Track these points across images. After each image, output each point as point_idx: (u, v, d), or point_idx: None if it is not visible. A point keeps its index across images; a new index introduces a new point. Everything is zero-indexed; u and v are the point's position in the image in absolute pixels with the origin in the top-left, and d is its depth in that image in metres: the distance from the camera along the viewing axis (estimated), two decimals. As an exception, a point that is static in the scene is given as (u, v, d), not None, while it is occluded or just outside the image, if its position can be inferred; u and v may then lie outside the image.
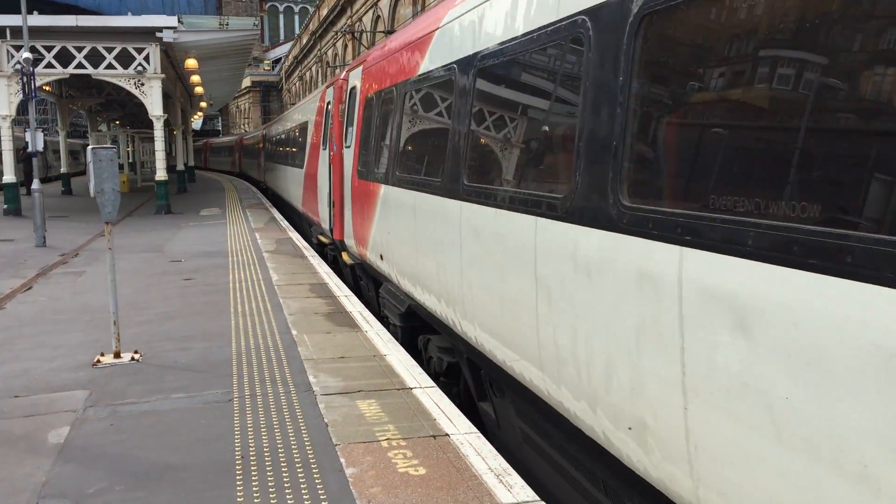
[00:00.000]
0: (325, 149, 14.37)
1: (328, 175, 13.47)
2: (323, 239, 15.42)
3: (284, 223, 21.54)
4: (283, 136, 26.32)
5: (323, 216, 14.62)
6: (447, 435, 5.48)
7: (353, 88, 11.66)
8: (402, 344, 8.30)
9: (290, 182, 22.50)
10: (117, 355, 7.66)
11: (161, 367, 7.37)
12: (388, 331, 8.86)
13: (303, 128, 19.42)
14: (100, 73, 24.51)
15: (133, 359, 7.62)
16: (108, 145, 7.69)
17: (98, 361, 7.54)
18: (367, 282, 11.46)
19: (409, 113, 8.19)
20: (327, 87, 15.15)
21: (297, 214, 21.86)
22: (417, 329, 8.40)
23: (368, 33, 38.05)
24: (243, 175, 51.36)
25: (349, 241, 11.57)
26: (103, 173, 7.37)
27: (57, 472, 5.02)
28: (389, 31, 29.42)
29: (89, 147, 7.43)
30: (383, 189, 8.98)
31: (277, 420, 5.83)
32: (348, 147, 11.69)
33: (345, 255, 12.52)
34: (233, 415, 5.97)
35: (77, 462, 5.18)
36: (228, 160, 62.10)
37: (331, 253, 15.08)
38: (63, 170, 37.60)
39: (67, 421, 5.96)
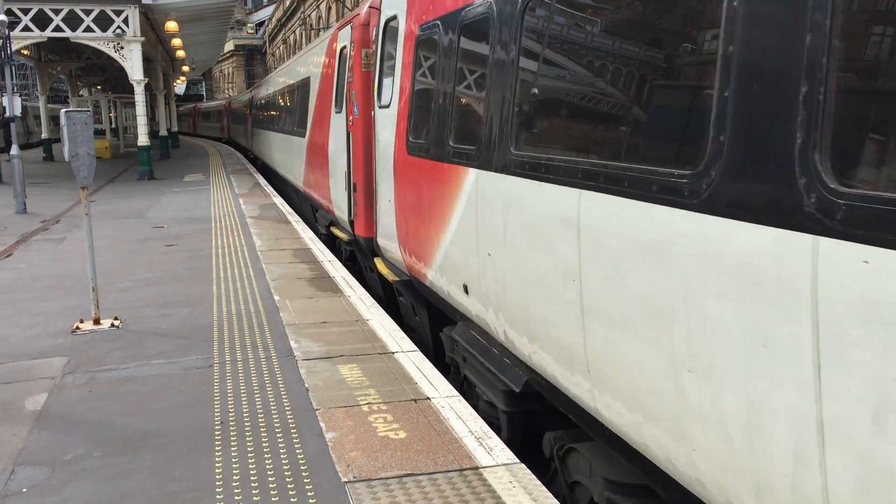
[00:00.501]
0: (338, 112, 11.08)
1: (346, 147, 10.20)
2: (338, 233, 11.85)
3: (269, 189, 21.36)
4: (276, 98, 22.06)
5: (336, 201, 11.36)
6: (428, 398, 5.46)
7: (391, 21, 8.04)
8: (511, 446, 4.86)
9: (287, 153, 18.52)
10: (97, 322, 7.59)
11: (141, 334, 7.31)
12: (477, 407, 5.84)
13: (303, 85, 15.58)
14: (78, 35, 24.08)
15: (113, 325, 7.55)
16: (83, 108, 7.53)
17: (77, 328, 7.47)
18: (419, 309, 7.89)
19: (552, 40, 4.48)
20: (340, 27, 11.59)
21: (294, 192, 18.09)
22: (534, 417, 5.38)
23: (352, -5, 37.47)
24: (231, 142, 48.56)
25: (388, 245, 8.19)
26: (78, 137, 7.23)
27: (34, 438, 4.97)
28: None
29: (63, 110, 7.28)
30: (475, 177, 5.44)
31: (258, 385, 5.80)
32: (384, 107, 8.07)
33: (379, 264, 8.82)
34: (213, 380, 5.93)
35: (55, 429, 5.13)
36: (218, 126, 58.93)
37: (347, 249, 11.86)
38: (44, 135, 37.15)
39: (45, 388, 5.90)
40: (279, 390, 5.69)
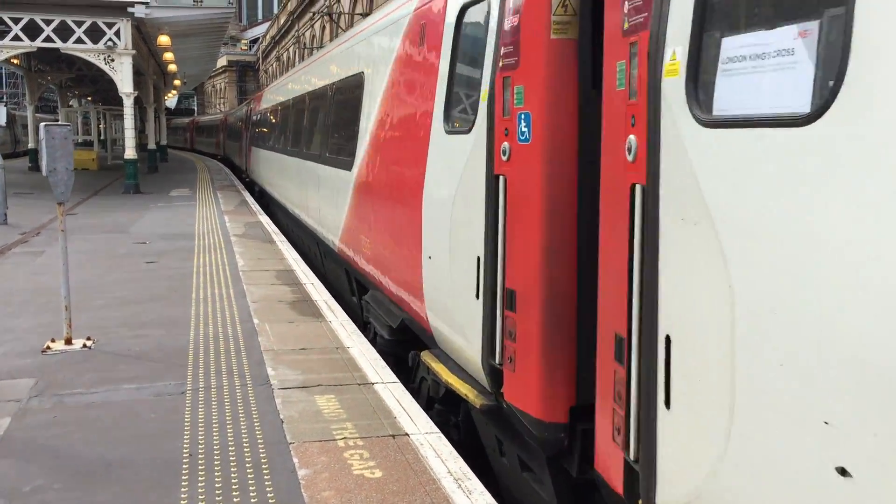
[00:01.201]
0: (453, 130, 5.74)
1: (479, 203, 5.02)
2: (445, 374, 5.74)
3: (255, 206, 21.16)
4: (291, 109, 16.12)
5: (442, 303, 5.90)
6: (407, 434, 5.27)
7: None
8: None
9: (308, 189, 12.83)
10: (68, 342, 7.36)
11: (114, 355, 7.08)
12: None
13: (347, 88, 10.03)
14: (68, 47, 23.90)
15: (85, 345, 7.33)
16: (62, 122, 7.36)
17: (48, 348, 7.23)
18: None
19: None
20: None
21: (314, 242, 12.67)
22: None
23: (347, 15, 37.55)
24: (226, 160, 44.08)
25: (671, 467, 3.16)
26: (56, 152, 7.05)
27: (-8, 467, 4.74)
28: (367, 14, 28.47)
29: (42, 124, 7.09)
30: None
31: (231, 415, 5.59)
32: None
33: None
34: (184, 408, 5.72)
35: (15, 457, 4.90)
36: (213, 141, 53.85)
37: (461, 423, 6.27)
38: (31, 145, 36.82)
39: (9, 412, 5.67)
40: (253, 421, 5.48)
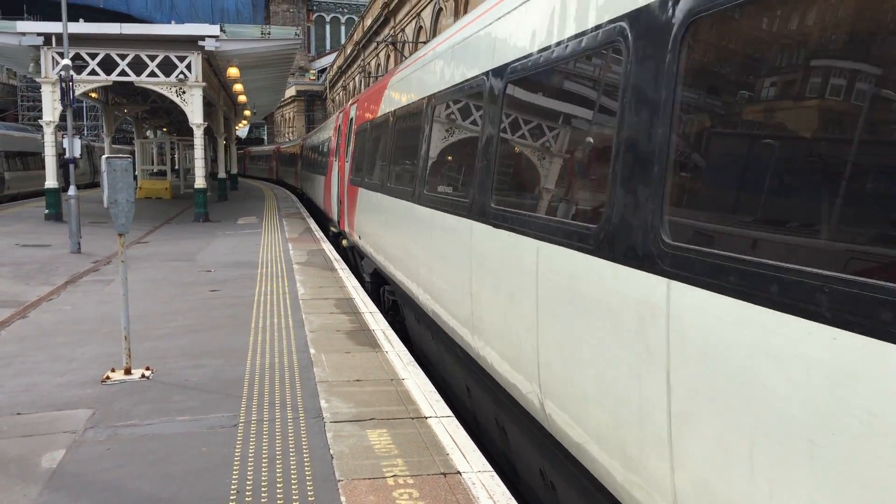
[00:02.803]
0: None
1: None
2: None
3: (319, 234, 21.35)
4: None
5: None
6: (459, 473, 5.09)
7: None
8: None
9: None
10: (127, 372, 7.42)
11: (170, 386, 7.10)
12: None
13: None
14: (142, 80, 24.69)
15: (143, 376, 7.37)
16: (123, 155, 7.48)
17: (107, 378, 7.30)
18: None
19: None
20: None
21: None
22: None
23: (411, 44, 37.92)
24: (280, 182, 57.24)
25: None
26: (117, 183, 7.16)
27: (43, 501, 4.74)
28: (426, 42, 29.06)
29: (103, 157, 7.22)
30: None
31: (281, 450, 5.50)
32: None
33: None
34: (235, 442, 5.66)
35: (66, 490, 4.90)
36: (266, 167, 70.27)
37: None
38: (107, 176, 38.05)
39: (65, 443, 5.70)
40: (303, 456, 5.38)
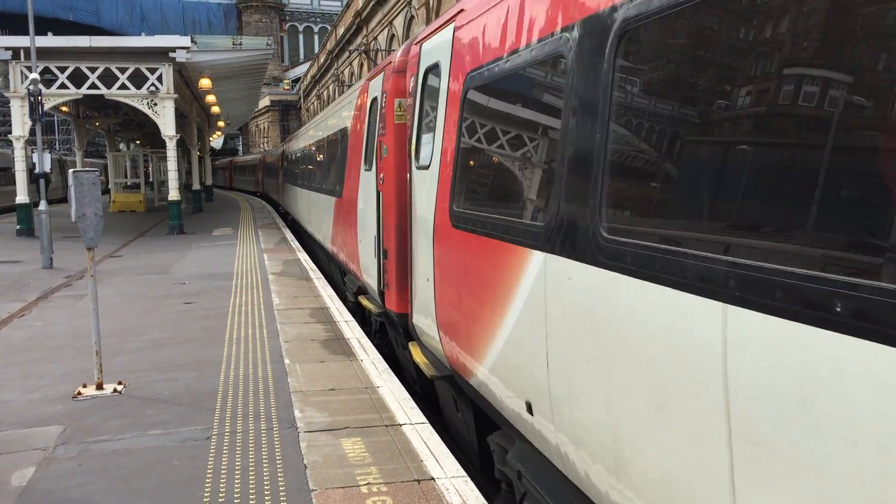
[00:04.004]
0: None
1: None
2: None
3: (294, 244, 21.28)
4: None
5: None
6: (433, 479, 5.09)
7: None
8: None
9: (314, 210, 17.78)
10: (99, 387, 7.35)
11: (143, 400, 7.04)
12: None
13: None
14: (112, 93, 24.50)
15: (115, 390, 7.31)
16: (91, 168, 7.42)
17: (79, 394, 7.23)
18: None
19: None
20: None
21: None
22: None
23: (384, 51, 37.96)
24: (265, 196, 48.55)
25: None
26: (85, 197, 7.10)
27: (12, 519, 4.69)
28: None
29: (71, 171, 7.16)
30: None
31: (254, 461, 5.48)
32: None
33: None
34: (208, 455, 5.63)
35: (36, 508, 4.85)
36: (252, 179, 59.33)
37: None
38: (80, 189, 37.69)
39: (35, 460, 5.64)
40: (276, 467, 5.36)
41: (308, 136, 21.07)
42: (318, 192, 16.61)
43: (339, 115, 13.75)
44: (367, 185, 9.81)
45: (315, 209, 17.35)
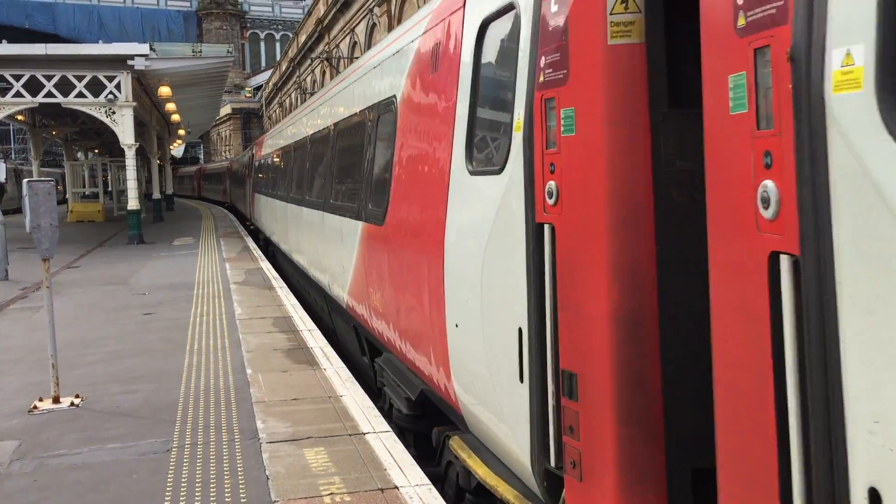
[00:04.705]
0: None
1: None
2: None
3: (257, 252, 21.10)
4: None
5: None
6: (396, 488, 5.07)
7: None
8: None
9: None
10: (56, 400, 7.21)
11: (101, 413, 6.92)
12: None
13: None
14: (70, 101, 24.08)
15: (73, 404, 7.17)
16: (46, 178, 7.29)
17: (35, 408, 7.08)
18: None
19: None
20: None
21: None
22: None
23: (346, 59, 37.88)
24: (232, 208, 43.35)
25: None
26: (40, 207, 6.97)
27: (-35, 538, 4.57)
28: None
29: (25, 180, 7.03)
30: None
31: (215, 473, 5.41)
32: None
33: None
34: (168, 468, 5.54)
35: (-11, 526, 4.74)
36: (190, 186, 56.08)
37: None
38: (37, 199, 36.98)
39: (-11, 477, 5.51)
40: (238, 479, 5.29)
41: (300, 127, 14.72)
42: (319, 211, 11.20)
43: (370, 83, 8.27)
44: (471, 204, 4.92)
45: (312, 235, 12.10)
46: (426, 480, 5.21)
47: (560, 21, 3.62)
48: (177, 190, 74.59)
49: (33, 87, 23.60)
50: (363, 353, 8.75)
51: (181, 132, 50.62)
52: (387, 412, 7.04)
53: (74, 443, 6.15)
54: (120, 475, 5.45)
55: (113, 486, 5.25)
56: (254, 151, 24.70)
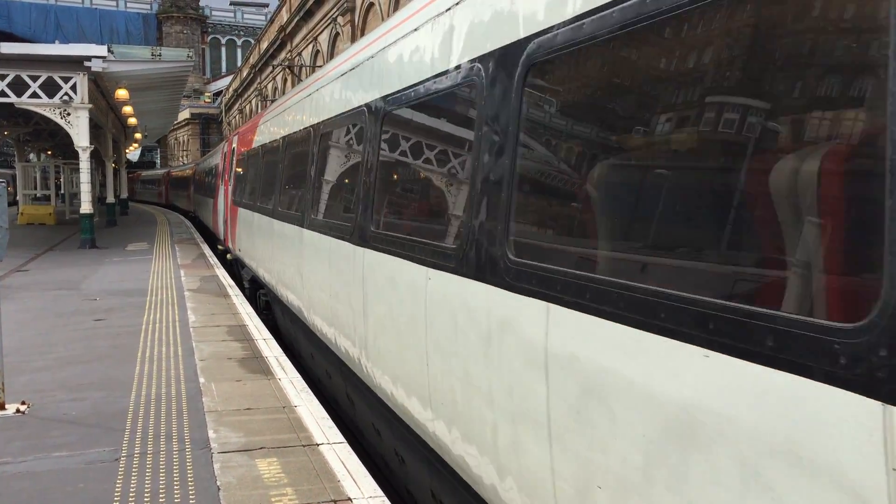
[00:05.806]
0: None
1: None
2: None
3: (213, 259, 20.84)
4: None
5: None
6: (349, 500, 5.04)
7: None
8: None
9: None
10: (1, 406, 7.02)
11: (48, 421, 6.76)
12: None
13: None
14: (23, 101, 23.56)
15: (18, 410, 6.99)
16: (-3, 179, 7.13)
17: (-22, 414, 6.89)
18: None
19: None
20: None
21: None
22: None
23: (308, 67, 37.73)
24: (171, 206, 56.47)
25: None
26: (-10, 209, 6.80)
27: None
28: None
29: (-25, 181, 6.86)
30: None
31: (165, 483, 5.31)
32: None
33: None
34: (116, 477, 5.43)
35: (-73, 536, 4.59)
36: (156, 191, 68.52)
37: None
38: (-15, 201, 36.07)
39: (-73, 485, 5.34)
40: (188, 489, 5.21)
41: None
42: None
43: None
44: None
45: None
46: (380, 492, 5.18)
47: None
48: (139, 196, 73.77)
49: (-15, 86, 23.07)
50: None
51: (138, 136, 49.89)
52: None
53: (19, 451, 5.99)
54: (66, 484, 5.33)
55: (58, 496, 5.12)
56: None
